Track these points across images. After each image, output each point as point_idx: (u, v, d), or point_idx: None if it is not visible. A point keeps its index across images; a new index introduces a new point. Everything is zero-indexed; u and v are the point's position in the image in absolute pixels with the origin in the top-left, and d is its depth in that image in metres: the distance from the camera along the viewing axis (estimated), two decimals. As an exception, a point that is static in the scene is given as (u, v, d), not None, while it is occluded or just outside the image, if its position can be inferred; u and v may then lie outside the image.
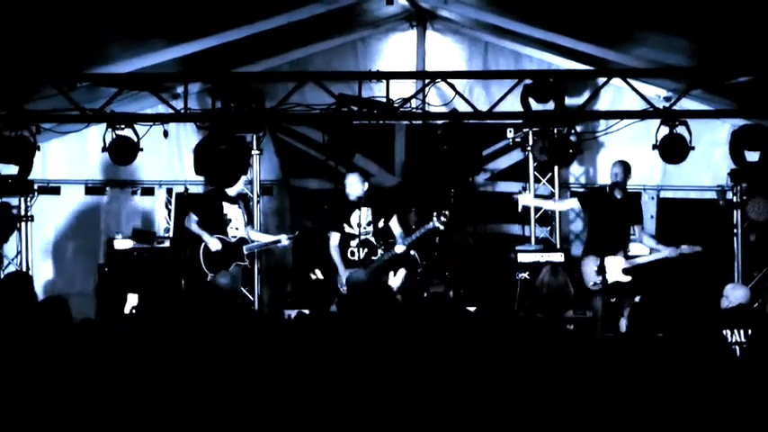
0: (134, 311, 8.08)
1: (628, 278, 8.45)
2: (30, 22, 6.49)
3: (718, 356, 5.98)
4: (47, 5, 6.24)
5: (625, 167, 8.54)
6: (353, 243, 8.45)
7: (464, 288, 9.07)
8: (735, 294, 6.42)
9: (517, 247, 9.57)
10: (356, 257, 8.42)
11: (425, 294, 8.33)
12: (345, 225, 8.49)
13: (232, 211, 8.64)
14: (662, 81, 9.06)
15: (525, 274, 9.12)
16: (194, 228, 8.46)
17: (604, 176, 9.97)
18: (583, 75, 9.34)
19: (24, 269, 8.82)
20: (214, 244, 8.35)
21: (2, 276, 8.82)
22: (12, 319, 5.78)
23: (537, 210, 10.04)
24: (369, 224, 8.46)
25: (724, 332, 6.05)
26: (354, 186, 8.44)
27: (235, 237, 8.56)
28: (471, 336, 5.88)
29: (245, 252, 8.59)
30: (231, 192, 8.63)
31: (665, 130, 8.13)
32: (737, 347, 6.05)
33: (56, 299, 5.90)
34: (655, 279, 8.56)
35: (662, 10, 6.79)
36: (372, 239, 8.45)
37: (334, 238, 8.47)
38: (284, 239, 8.82)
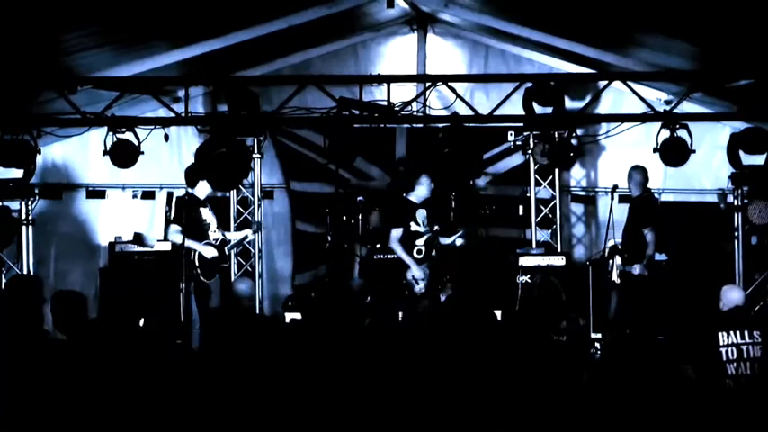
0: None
1: (618, 280, 8.61)
2: (30, 24, 6.50)
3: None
4: (48, 7, 6.25)
5: (645, 173, 8.71)
6: (419, 241, 8.59)
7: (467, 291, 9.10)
8: (728, 297, 6.46)
9: (518, 251, 9.60)
10: (422, 255, 8.57)
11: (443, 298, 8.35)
12: (412, 223, 8.59)
13: (208, 216, 8.55)
14: (663, 84, 9.07)
15: (526, 278, 9.14)
16: (176, 238, 8.19)
17: (605, 179, 10.03)
18: (584, 78, 9.38)
19: (25, 273, 8.82)
20: (209, 251, 8.29)
21: (3, 280, 8.85)
22: (20, 319, 5.80)
23: (538, 213, 10.11)
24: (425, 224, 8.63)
25: (720, 334, 6.10)
26: (425, 187, 8.62)
27: (216, 240, 8.49)
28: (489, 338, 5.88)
29: (226, 253, 8.62)
30: (201, 196, 8.53)
31: (665, 134, 8.06)
32: (734, 349, 6.09)
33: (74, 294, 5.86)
34: (655, 282, 8.61)
35: (663, 13, 6.80)
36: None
37: (396, 233, 8.54)
38: (250, 234, 8.94)
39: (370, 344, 5.73)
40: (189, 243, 8.17)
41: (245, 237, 8.89)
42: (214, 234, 8.51)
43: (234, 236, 8.84)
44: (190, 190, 8.47)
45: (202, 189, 8.47)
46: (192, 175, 8.47)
